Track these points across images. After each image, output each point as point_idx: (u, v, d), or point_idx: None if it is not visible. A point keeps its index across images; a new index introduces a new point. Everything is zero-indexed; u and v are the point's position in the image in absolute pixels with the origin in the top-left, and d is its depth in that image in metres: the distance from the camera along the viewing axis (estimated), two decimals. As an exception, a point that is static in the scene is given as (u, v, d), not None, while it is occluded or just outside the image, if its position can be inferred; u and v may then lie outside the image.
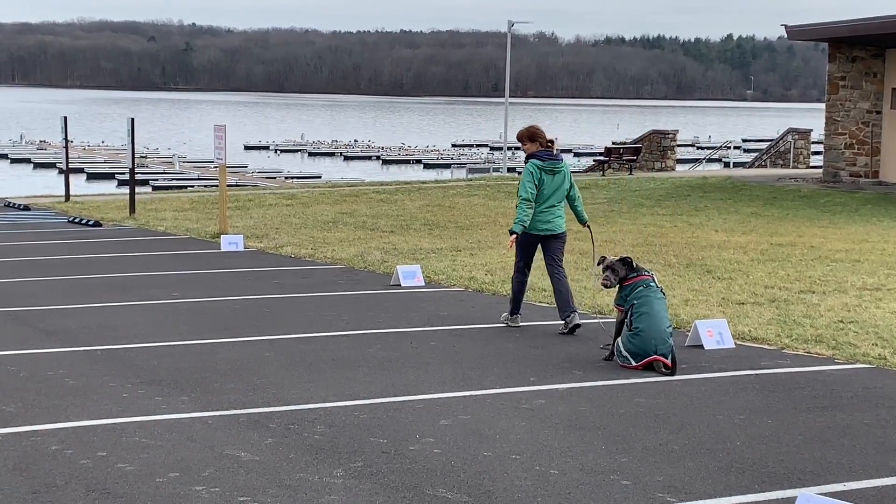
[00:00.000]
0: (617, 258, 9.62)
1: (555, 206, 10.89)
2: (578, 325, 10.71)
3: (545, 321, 11.24)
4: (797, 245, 17.26)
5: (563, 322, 10.76)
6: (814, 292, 12.90)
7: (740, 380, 8.85)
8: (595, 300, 12.00)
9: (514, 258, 11.27)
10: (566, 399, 8.21)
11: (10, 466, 6.58)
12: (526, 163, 10.98)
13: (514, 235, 10.79)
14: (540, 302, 12.46)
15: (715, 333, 10.10)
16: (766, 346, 10.14)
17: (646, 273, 9.48)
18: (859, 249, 16.74)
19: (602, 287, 9.69)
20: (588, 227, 11.35)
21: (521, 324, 11.12)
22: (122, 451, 6.85)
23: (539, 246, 10.99)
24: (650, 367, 9.04)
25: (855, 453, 6.93)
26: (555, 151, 11.00)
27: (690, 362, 9.41)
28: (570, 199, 11.08)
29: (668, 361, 8.95)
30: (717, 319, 10.47)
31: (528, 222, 10.77)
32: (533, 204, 10.75)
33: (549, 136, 11.07)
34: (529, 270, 11.17)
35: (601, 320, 11.11)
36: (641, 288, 9.33)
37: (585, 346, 10.07)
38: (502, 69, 55.07)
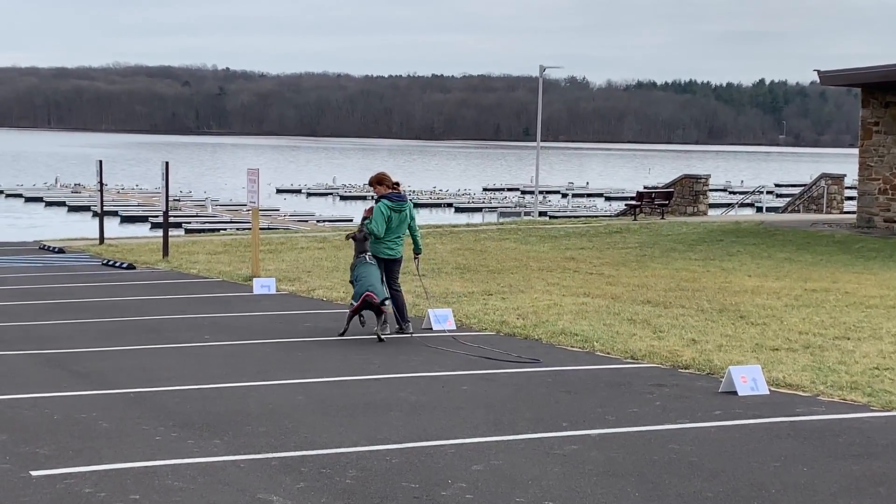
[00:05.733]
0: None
1: (399, 236, 13.68)
2: (410, 334, 13.27)
3: (577, 366, 11.20)
4: (831, 291, 17.14)
5: (398, 328, 13.41)
6: (849, 339, 12.80)
7: (775, 427, 8.78)
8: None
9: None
10: (599, 445, 8.17)
11: (44, 509, 6.59)
12: (377, 202, 13.56)
13: None
14: (572, 346, 12.42)
15: (749, 380, 10.03)
16: (801, 393, 10.05)
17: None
18: (894, 296, 16.60)
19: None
20: (418, 258, 14.18)
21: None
22: (155, 495, 6.86)
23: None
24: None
25: (891, 502, 6.85)
26: (401, 192, 13.72)
27: (724, 409, 9.35)
28: (412, 230, 13.82)
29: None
30: (751, 365, 10.39)
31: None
32: (380, 237, 13.42)
33: (395, 179, 13.69)
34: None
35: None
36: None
37: (618, 392, 10.02)
38: (534, 113, 55.10)
